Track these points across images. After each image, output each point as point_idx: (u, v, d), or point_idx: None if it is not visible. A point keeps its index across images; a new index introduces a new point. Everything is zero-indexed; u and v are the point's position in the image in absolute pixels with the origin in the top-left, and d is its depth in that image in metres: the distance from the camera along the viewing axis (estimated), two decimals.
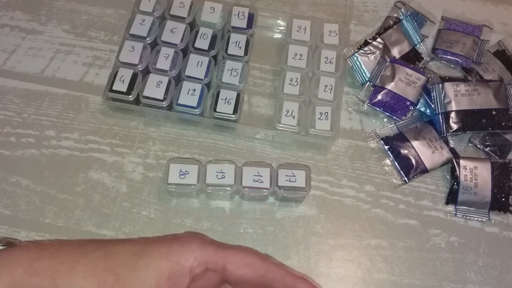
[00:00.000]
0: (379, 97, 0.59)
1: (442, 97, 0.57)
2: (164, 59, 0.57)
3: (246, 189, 0.51)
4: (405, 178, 0.56)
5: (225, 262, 0.37)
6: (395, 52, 0.62)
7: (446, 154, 0.57)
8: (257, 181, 0.51)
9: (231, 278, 0.37)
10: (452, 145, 0.58)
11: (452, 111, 0.57)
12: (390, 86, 0.59)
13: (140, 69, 0.56)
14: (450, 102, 0.57)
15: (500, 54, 0.63)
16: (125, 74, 0.56)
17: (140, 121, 0.58)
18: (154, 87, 0.55)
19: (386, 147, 0.58)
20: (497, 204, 0.55)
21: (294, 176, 0.51)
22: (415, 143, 0.57)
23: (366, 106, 0.60)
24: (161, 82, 0.55)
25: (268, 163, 0.54)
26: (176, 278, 0.36)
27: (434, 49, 0.63)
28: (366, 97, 0.60)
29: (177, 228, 0.53)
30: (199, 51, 0.58)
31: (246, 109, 0.60)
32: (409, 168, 0.56)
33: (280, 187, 0.51)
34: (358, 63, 0.61)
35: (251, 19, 0.61)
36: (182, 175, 0.51)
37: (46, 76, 0.60)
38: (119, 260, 0.36)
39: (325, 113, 0.56)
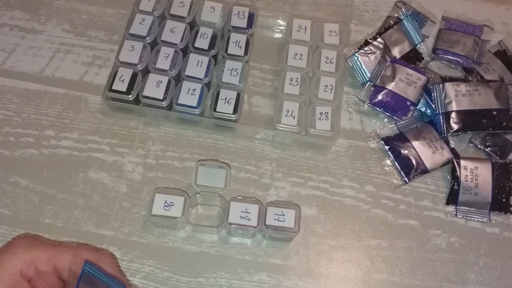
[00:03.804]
0: (380, 97, 0.59)
1: (443, 97, 0.57)
2: (164, 58, 0.57)
3: (233, 226, 0.49)
4: (406, 178, 0.56)
5: (55, 261, 0.36)
6: (396, 52, 0.61)
7: (446, 155, 0.56)
8: (244, 218, 0.49)
9: (64, 276, 0.37)
10: (452, 146, 0.58)
11: (453, 111, 0.56)
12: (391, 86, 0.58)
13: (140, 68, 0.56)
14: (450, 102, 0.57)
15: (501, 54, 0.63)
16: (125, 74, 0.55)
17: (139, 121, 0.58)
18: (154, 87, 0.55)
19: (387, 147, 0.58)
20: (498, 204, 0.55)
21: (283, 215, 0.50)
22: (415, 143, 0.57)
23: (366, 106, 0.60)
24: (161, 82, 0.55)
25: (257, 199, 0.52)
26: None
27: (434, 49, 0.63)
28: (366, 97, 0.60)
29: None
30: (199, 50, 0.58)
31: (246, 109, 0.59)
32: (410, 168, 0.56)
33: (268, 226, 0.49)
34: (358, 63, 0.61)
35: (251, 19, 0.61)
36: (167, 206, 0.49)
37: (45, 76, 0.60)
38: None
39: (325, 113, 0.56)
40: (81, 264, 0.35)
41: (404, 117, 0.59)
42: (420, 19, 0.65)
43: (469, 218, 0.55)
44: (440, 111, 0.57)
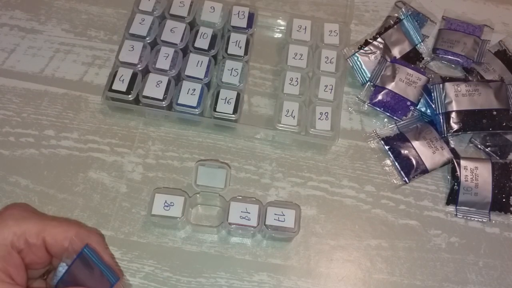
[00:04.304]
0: (380, 97, 0.59)
1: (443, 97, 0.57)
2: (164, 58, 0.57)
3: (233, 226, 0.49)
4: (406, 178, 0.56)
5: (44, 235, 0.37)
6: (396, 52, 0.61)
7: (446, 155, 0.56)
8: (244, 218, 0.49)
9: (52, 250, 0.37)
10: (452, 146, 0.58)
11: (453, 111, 0.56)
12: (391, 86, 0.58)
13: (139, 68, 0.56)
14: (450, 102, 0.57)
15: (501, 54, 0.63)
16: (125, 74, 0.55)
17: (139, 120, 0.58)
18: (154, 87, 0.55)
19: (387, 147, 0.58)
20: (498, 204, 0.55)
21: (283, 215, 0.50)
22: (415, 143, 0.57)
23: (366, 106, 0.60)
24: (161, 82, 0.55)
25: (257, 199, 0.52)
26: (4, 258, 0.36)
27: (434, 49, 0.63)
28: (366, 97, 0.60)
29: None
30: (199, 50, 0.58)
31: (246, 109, 0.59)
32: (410, 169, 0.56)
33: (268, 226, 0.49)
34: (358, 63, 0.61)
35: (251, 19, 0.61)
36: (167, 206, 0.49)
37: (45, 76, 0.60)
38: None
39: (325, 113, 0.56)
40: (70, 239, 0.36)
41: (404, 117, 0.59)
42: (420, 19, 0.65)
43: (469, 218, 0.55)
44: (440, 111, 0.57)
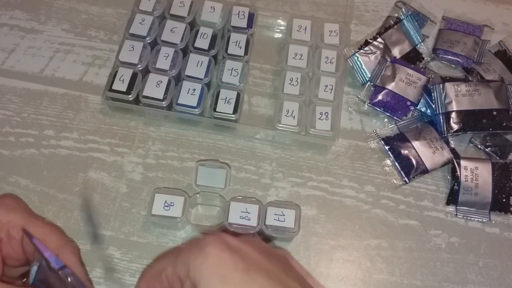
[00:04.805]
0: (380, 97, 0.59)
1: (443, 97, 0.57)
2: (164, 58, 0.57)
3: (233, 226, 0.49)
4: (406, 178, 0.56)
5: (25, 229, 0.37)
6: (396, 52, 0.61)
7: (446, 155, 0.56)
8: (244, 218, 0.49)
9: (26, 249, 0.37)
10: (452, 146, 0.58)
11: (453, 111, 0.56)
12: (391, 86, 0.58)
13: (139, 68, 0.56)
14: (450, 102, 0.57)
15: (501, 54, 0.63)
16: (125, 74, 0.55)
17: (139, 120, 0.58)
18: (154, 87, 0.55)
19: (387, 147, 0.58)
20: (498, 204, 0.55)
21: (283, 215, 0.49)
22: (415, 144, 0.57)
23: (366, 106, 0.60)
24: (161, 82, 0.55)
25: (257, 199, 0.52)
26: None
27: (435, 49, 0.63)
28: (366, 97, 0.60)
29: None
30: (199, 50, 0.58)
31: (246, 109, 0.59)
32: (410, 169, 0.56)
33: (268, 226, 0.49)
34: (358, 63, 0.61)
35: (251, 19, 0.61)
36: (167, 206, 0.49)
37: (45, 76, 0.60)
38: None
39: (326, 113, 0.56)
40: (35, 241, 0.36)
41: (404, 117, 0.59)
42: (420, 19, 0.65)
43: (469, 218, 0.55)
44: (440, 111, 0.57)
